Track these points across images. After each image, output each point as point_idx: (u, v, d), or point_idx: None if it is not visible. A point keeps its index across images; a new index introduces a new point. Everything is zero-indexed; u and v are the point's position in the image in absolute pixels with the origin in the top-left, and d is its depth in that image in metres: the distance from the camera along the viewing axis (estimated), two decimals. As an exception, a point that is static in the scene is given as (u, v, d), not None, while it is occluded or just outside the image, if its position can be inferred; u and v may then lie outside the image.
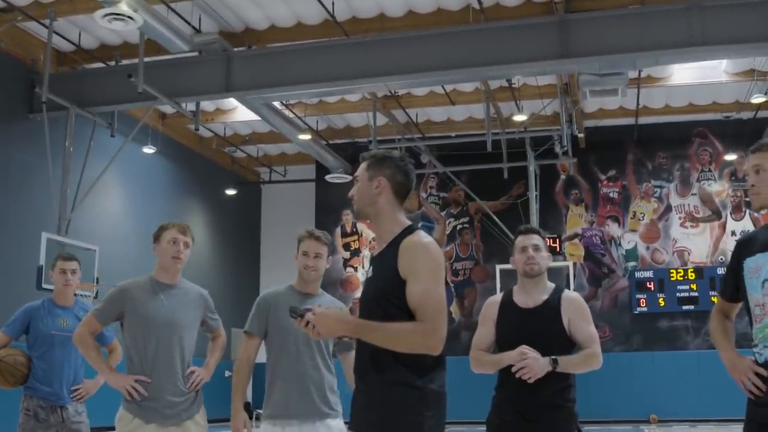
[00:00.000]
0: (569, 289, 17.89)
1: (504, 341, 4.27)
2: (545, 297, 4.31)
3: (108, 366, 4.85)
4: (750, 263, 3.44)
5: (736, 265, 3.54)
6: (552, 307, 4.26)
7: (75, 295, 6.14)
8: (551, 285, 4.40)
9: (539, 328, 4.21)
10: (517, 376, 4.08)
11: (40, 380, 5.75)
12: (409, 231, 3.22)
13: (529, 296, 4.34)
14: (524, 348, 4.11)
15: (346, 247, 21.61)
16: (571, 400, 4.22)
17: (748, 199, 3.61)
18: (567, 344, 4.22)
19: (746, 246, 3.53)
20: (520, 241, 4.39)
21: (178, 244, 4.69)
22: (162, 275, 4.75)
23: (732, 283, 3.59)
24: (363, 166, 3.36)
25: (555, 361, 4.09)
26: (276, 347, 4.63)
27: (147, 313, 4.61)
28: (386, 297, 3.12)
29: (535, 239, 4.37)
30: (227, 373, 20.78)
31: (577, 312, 4.27)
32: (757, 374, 3.36)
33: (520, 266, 4.36)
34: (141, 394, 4.53)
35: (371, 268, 3.31)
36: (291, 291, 4.73)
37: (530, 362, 4.06)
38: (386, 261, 3.18)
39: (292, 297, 4.61)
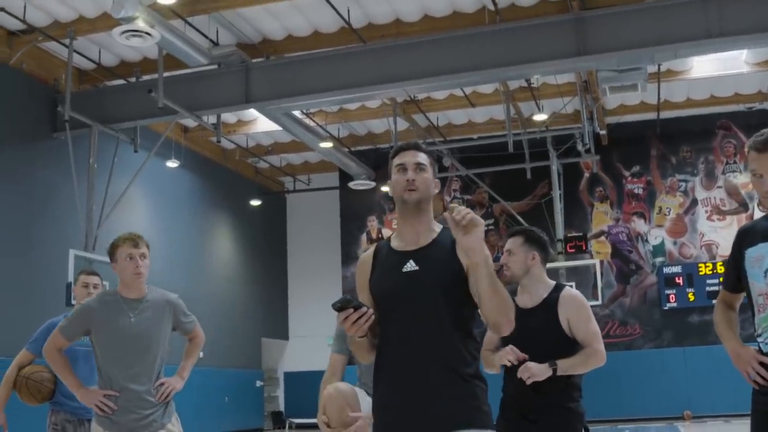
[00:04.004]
0: (597, 286, 17.78)
1: (507, 341, 4.28)
2: (545, 295, 4.31)
3: (77, 382, 4.86)
4: (752, 253, 3.39)
5: (737, 256, 3.49)
6: (549, 306, 4.26)
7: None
8: (551, 283, 4.39)
9: (537, 328, 4.22)
10: (518, 376, 4.09)
11: (66, 395, 5.77)
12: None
13: (528, 296, 4.35)
14: (509, 348, 4.14)
15: (372, 253, 21.62)
16: (574, 399, 4.22)
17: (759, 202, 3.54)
18: (567, 343, 4.20)
19: (747, 236, 3.47)
20: None
21: (135, 259, 4.70)
22: (126, 291, 4.75)
23: (734, 274, 3.53)
24: (428, 159, 3.30)
25: (554, 365, 4.08)
26: None
27: (114, 329, 4.64)
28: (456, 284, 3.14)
29: (509, 243, 4.40)
30: (258, 383, 20.94)
31: (575, 311, 4.25)
32: (761, 364, 3.32)
33: None
34: (111, 408, 4.59)
35: (411, 261, 3.18)
36: None
37: (530, 364, 4.07)
38: (443, 250, 3.19)
39: None
